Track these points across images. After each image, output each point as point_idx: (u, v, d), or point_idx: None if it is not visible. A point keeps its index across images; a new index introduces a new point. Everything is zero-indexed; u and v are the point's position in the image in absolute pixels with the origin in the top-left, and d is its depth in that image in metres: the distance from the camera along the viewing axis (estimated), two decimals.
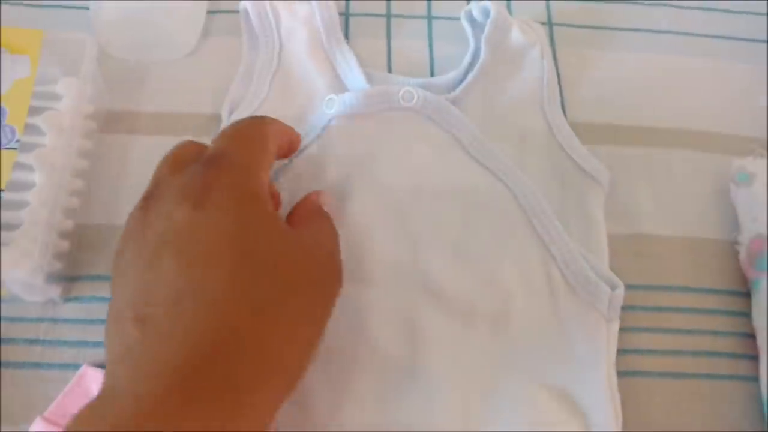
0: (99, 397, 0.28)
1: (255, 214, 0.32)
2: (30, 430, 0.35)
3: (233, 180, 0.32)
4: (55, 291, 0.39)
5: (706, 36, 0.51)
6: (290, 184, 0.41)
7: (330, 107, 0.43)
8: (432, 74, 0.48)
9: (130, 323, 0.29)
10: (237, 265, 0.30)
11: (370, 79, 0.45)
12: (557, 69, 0.48)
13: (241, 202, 0.32)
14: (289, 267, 0.32)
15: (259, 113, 0.43)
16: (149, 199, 0.32)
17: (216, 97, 0.45)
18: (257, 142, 0.35)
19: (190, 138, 0.36)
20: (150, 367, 0.28)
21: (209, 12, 0.48)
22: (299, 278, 0.32)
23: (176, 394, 0.27)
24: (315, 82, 0.45)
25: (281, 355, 0.31)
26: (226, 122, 0.43)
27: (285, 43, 0.46)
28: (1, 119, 0.39)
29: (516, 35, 0.47)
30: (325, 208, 0.38)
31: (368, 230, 0.40)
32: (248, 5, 0.46)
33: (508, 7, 0.51)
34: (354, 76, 0.45)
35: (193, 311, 0.29)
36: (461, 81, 0.46)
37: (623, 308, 0.40)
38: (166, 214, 0.31)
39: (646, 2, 0.52)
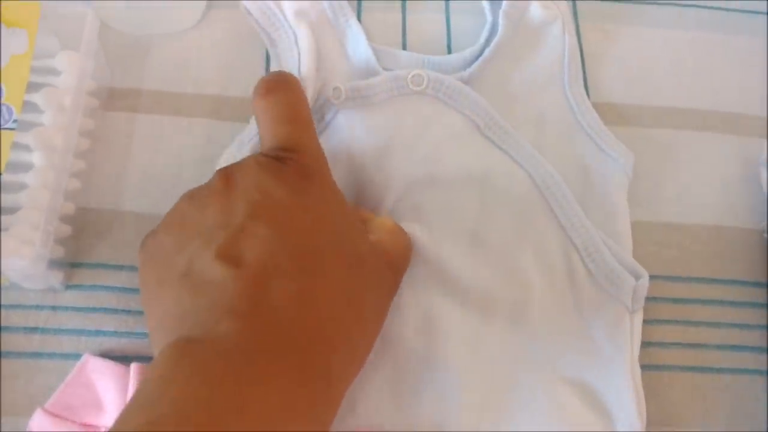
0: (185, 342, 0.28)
1: (343, 210, 0.34)
2: (30, 422, 0.34)
3: (325, 177, 0.34)
4: (56, 278, 0.37)
5: (739, 11, 0.49)
6: None
7: (337, 97, 0.41)
8: (449, 51, 0.46)
9: (218, 263, 0.29)
10: (331, 251, 0.32)
11: (378, 57, 0.43)
12: (580, 45, 0.46)
13: (333, 196, 0.34)
14: (372, 262, 0.34)
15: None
16: (232, 173, 0.33)
17: (221, 75, 0.44)
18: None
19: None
20: (258, 324, 0.29)
21: None
22: (377, 274, 0.34)
23: (293, 374, 0.28)
24: (326, 65, 0.43)
25: (363, 346, 0.33)
26: None
27: (297, 32, 0.43)
28: None
29: (536, 9, 0.44)
30: None
31: None
32: (248, 6, 0.43)
33: None
34: (362, 55, 0.43)
35: (297, 282, 0.30)
36: (477, 58, 0.43)
37: (646, 299, 0.39)
38: (261, 189, 0.32)
39: None
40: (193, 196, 0.33)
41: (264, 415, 0.26)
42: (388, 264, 0.35)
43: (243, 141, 0.40)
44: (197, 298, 0.29)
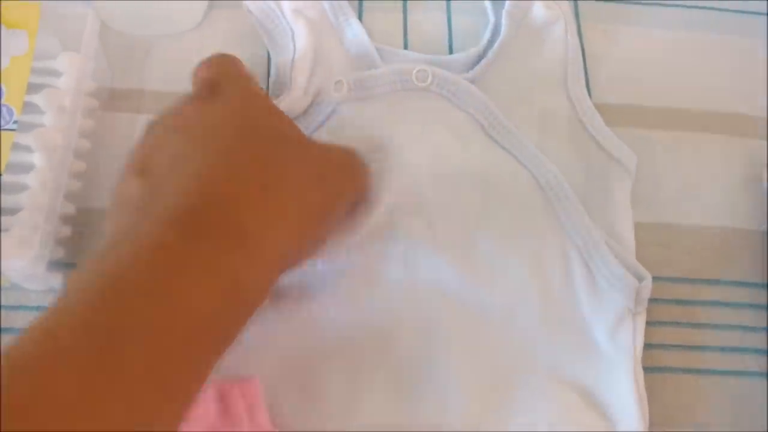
0: (102, 247, 0.29)
1: (261, 100, 0.35)
2: None
3: (240, 81, 0.35)
4: (56, 279, 0.37)
5: (740, 12, 0.49)
6: None
7: (339, 90, 0.40)
8: (450, 51, 0.46)
9: (132, 177, 0.31)
10: (242, 129, 0.33)
11: (381, 56, 0.43)
12: (582, 46, 0.46)
13: (248, 93, 0.35)
14: (297, 140, 0.35)
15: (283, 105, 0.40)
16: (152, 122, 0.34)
17: None
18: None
19: None
20: (150, 209, 0.29)
21: None
22: (307, 151, 0.34)
23: (177, 231, 0.28)
24: (325, 62, 0.43)
25: (285, 205, 0.32)
26: None
27: (294, 28, 0.43)
28: None
29: (538, 9, 0.44)
30: None
31: (383, 218, 0.39)
32: (250, 6, 0.43)
33: None
34: (363, 53, 0.43)
35: (197, 163, 0.31)
36: (480, 58, 0.43)
37: (647, 301, 0.39)
38: (171, 109, 0.34)
39: None
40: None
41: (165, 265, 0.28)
42: (333, 158, 0.35)
43: None
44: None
